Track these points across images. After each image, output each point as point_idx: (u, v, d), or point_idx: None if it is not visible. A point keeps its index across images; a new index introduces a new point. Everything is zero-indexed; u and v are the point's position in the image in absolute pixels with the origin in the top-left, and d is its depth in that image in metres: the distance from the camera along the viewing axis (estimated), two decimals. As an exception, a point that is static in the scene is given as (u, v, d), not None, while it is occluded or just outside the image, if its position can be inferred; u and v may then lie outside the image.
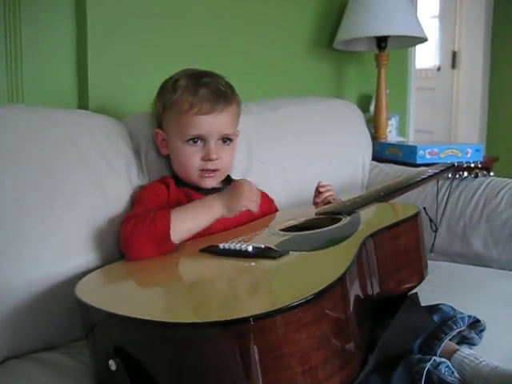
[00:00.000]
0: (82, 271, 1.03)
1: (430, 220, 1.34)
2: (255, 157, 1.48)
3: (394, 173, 1.75)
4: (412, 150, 1.88)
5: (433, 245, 1.38)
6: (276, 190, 1.40)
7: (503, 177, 1.59)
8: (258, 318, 0.66)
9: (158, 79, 1.24)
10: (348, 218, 1.09)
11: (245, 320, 0.65)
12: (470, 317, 0.99)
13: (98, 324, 0.79)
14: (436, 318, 0.97)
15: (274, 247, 0.93)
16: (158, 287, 0.90)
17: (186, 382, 0.70)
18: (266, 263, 0.87)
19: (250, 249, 0.92)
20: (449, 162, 1.60)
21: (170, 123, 1.20)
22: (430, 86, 3.73)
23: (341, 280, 0.75)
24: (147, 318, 0.71)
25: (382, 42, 2.01)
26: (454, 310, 1.01)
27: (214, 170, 1.19)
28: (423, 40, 2.05)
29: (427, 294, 1.05)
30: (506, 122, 3.32)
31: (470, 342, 1.02)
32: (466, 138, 3.47)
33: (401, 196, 1.34)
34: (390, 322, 0.87)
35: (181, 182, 1.21)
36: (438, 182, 1.56)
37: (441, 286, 1.24)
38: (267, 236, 1.03)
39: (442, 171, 1.49)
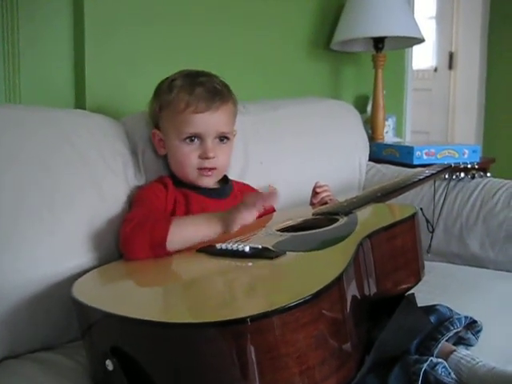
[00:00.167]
0: (81, 271, 1.03)
1: (427, 221, 1.34)
2: (254, 157, 1.48)
3: (391, 173, 1.75)
4: (409, 150, 1.88)
5: (429, 245, 1.38)
6: (275, 190, 1.40)
7: (500, 178, 1.59)
8: (255, 318, 0.66)
9: (156, 79, 1.25)
10: (345, 219, 1.09)
11: (242, 320, 0.65)
12: (466, 317, 1.00)
13: (95, 324, 0.79)
14: (433, 318, 0.97)
15: (271, 247, 0.92)
16: (155, 287, 0.90)
17: (183, 382, 0.70)
18: (263, 263, 0.87)
19: (247, 249, 0.92)
20: (445, 162, 1.60)
21: (167, 123, 1.20)
22: (427, 87, 3.73)
23: (338, 280, 0.75)
24: (144, 318, 0.70)
25: (379, 42, 2.01)
26: (451, 310, 1.01)
27: (211, 169, 1.20)
28: (420, 41, 2.05)
29: (424, 294, 1.05)
30: (502, 123, 3.32)
31: (466, 343, 1.03)
32: (462, 139, 3.46)
33: (398, 197, 1.34)
34: (386, 323, 0.87)
35: (179, 182, 1.21)
36: (434, 182, 1.56)
37: (437, 286, 1.24)
38: (264, 236, 1.03)
39: (438, 172, 1.49)
